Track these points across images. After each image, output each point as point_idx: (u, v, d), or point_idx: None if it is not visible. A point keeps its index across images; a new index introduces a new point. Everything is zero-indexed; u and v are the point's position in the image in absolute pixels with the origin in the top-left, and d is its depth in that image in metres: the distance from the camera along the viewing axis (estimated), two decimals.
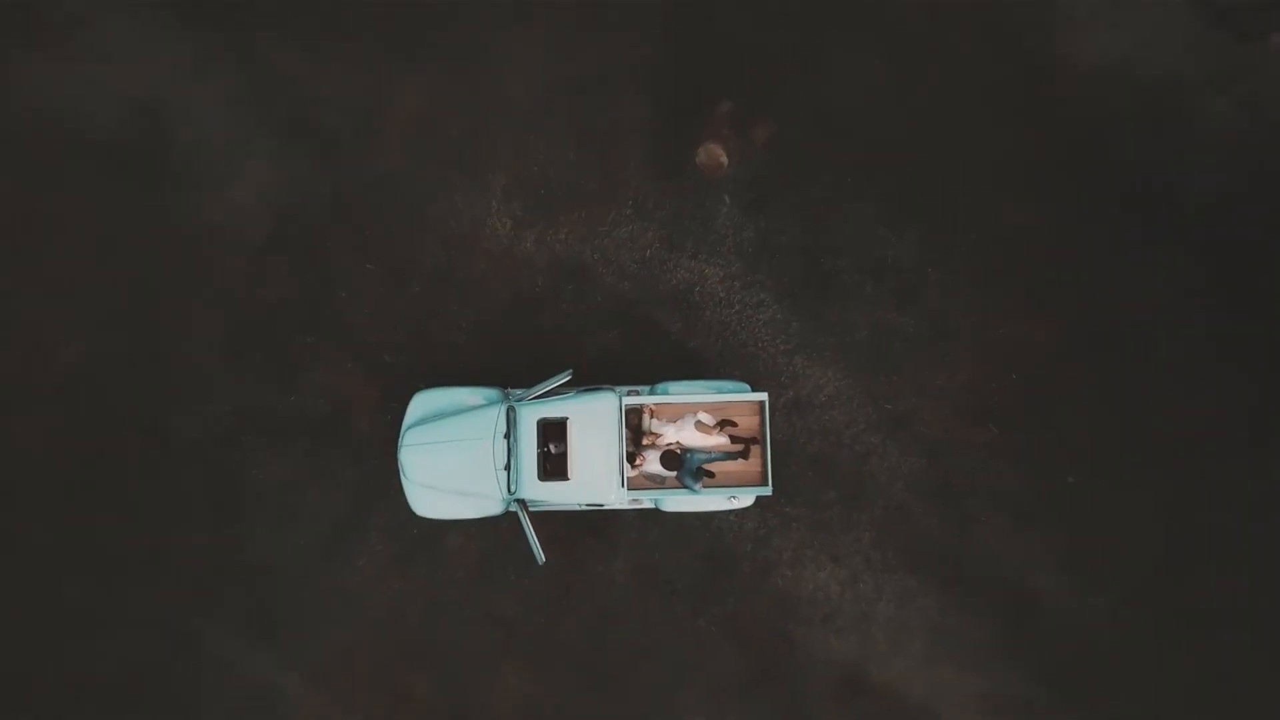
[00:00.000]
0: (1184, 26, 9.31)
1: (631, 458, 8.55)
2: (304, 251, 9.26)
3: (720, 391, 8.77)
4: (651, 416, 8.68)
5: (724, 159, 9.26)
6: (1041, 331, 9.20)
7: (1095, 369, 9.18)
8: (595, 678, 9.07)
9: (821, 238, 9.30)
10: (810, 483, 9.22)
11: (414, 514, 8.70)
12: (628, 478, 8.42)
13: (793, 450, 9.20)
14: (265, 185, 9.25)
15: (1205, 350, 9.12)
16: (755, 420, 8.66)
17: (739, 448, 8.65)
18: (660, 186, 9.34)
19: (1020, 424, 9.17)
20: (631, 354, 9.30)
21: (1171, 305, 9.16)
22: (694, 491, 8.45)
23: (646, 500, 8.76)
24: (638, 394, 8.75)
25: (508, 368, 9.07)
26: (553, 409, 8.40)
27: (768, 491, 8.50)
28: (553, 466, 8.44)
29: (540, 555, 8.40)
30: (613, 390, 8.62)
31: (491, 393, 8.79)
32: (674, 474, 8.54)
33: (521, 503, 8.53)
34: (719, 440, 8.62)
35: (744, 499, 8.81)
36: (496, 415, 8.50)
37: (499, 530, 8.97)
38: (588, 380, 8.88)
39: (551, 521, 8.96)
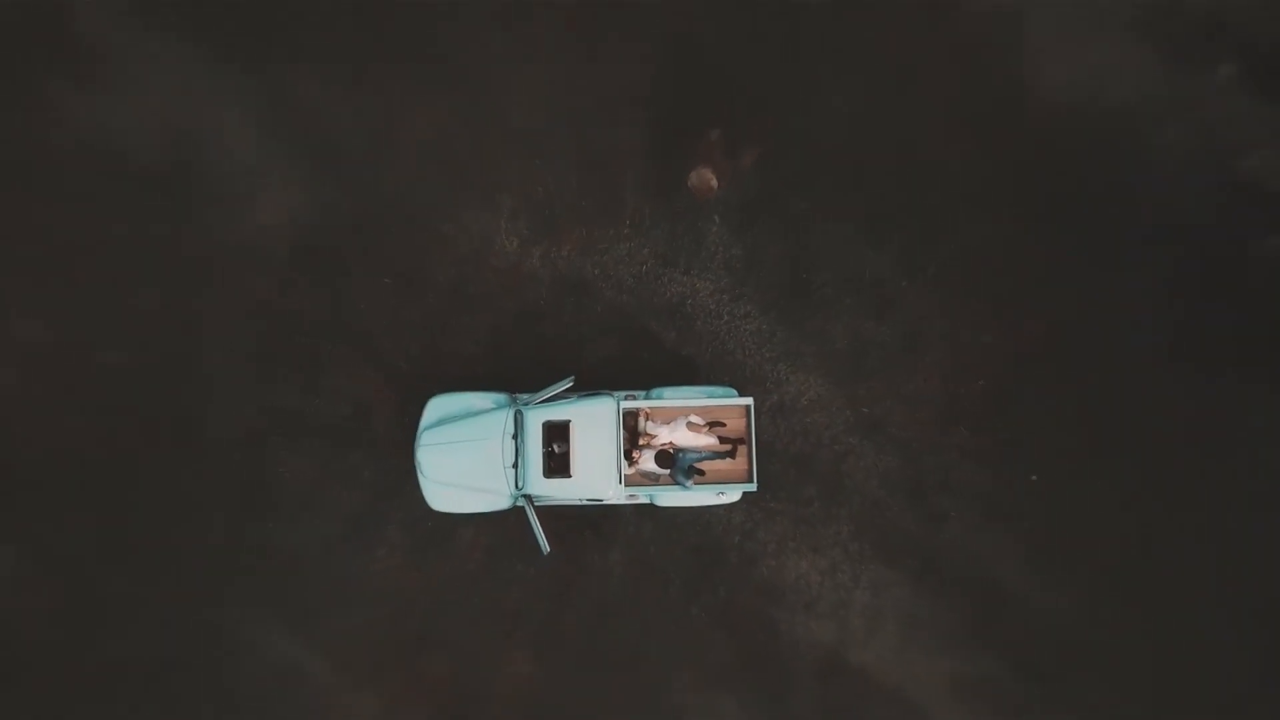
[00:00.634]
0: (1139, 57, 9.83)
1: (629, 457, 8.98)
2: (326, 267, 9.80)
3: (710, 396, 9.21)
4: (647, 419, 9.12)
5: (714, 182, 9.66)
6: (1007, 340, 9.73)
7: (1056, 375, 9.70)
8: (595, 660, 9.61)
9: (803, 254, 9.80)
10: (792, 480, 9.74)
11: (429, 508, 9.23)
12: (625, 475, 8.89)
13: (776, 450, 9.73)
14: (289, 206, 9.79)
15: (1158, 356, 9.65)
16: (742, 422, 9.08)
17: (727, 448, 9.09)
18: (655, 207, 9.83)
19: (987, 426, 9.69)
20: (629, 361, 9.76)
21: (1126, 316, 9.70)
22: (685, 488, 8.91)
23: (642, 496, 9.23)
24: (634, 398, 9.19)
25: (515, 374, 9.56)
26: (556, 412, 8.88)
27: (753, 488, 8.97)
28: (556, 465, 8.89)
29: (545, 546, 8.90)
30: (611, 395, 9.07)
31: (500, 397, 9.31)
32: (667, 472, 9.00)
33: (528, 498, 9.01)
34: (709, 441, 9.07)
35: (731, 495, 9.26)
36: (505, 418, 8.99)
37: (507, 524, 9.52)
38: (588, 386, 9.34)
39: (555, 516, 9.50)
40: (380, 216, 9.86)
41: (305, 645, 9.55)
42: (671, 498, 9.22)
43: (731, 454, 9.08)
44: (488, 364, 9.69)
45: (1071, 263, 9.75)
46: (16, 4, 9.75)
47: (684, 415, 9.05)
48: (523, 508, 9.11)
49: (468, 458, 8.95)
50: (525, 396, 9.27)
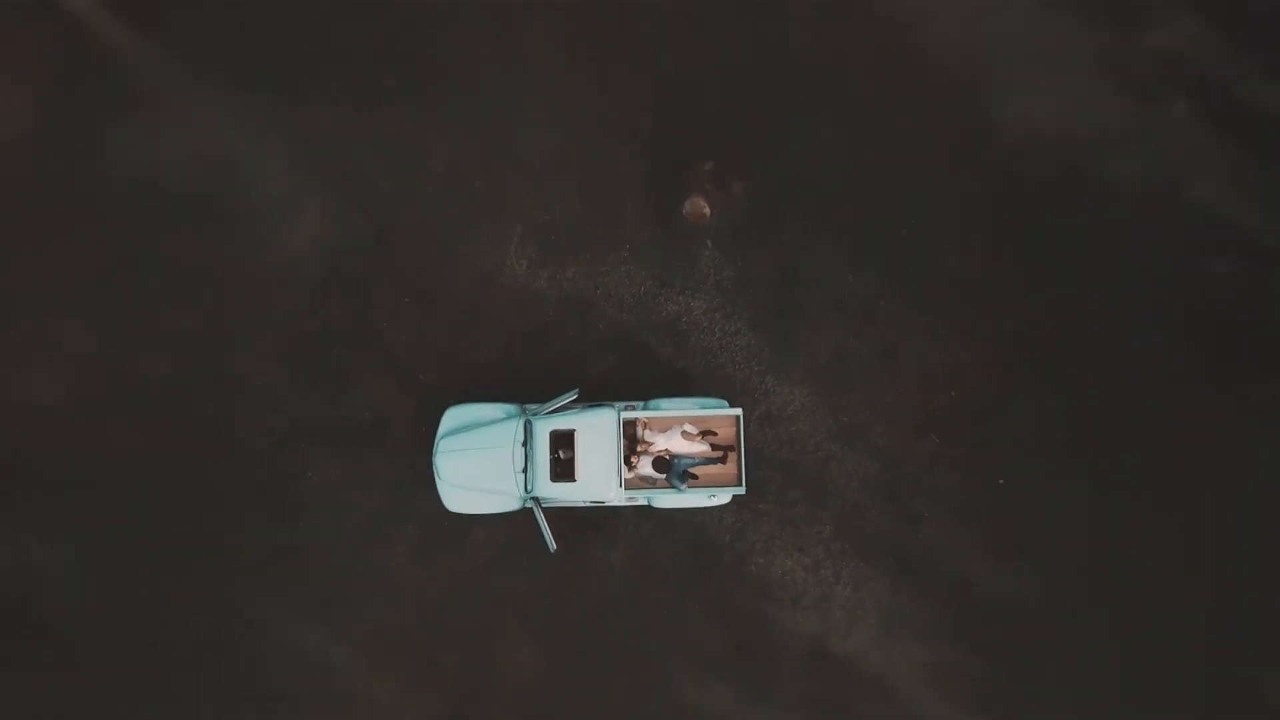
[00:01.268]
0: (1100, 92, 10.49)
1: (628, 462, 9.64)
2: (351, 287, 10.53)
3: (703, 407, 9.87)
4: (645, 428, 9.76)
5: (707, 210, 10.04)
6: (976, 355, 10.39)
7: (1022, 387, 10.37)
8: (598, 648, 10.33)
9: (789, 275, 10.49)
10: (779, 484, 10.42)
11: (445, 510, 9.93)
12: (625, 479, 9.53)
13: (764, 456, 10.40)
14: (318, 230, 10.55)
15: (1114, 367, 10.30)
16: (732, 431, 9.68)
17: (718, 454, 9.72)
18: (653, 233, 10.53)
19: (958, 434, 10.37)
20: (628, 374, 10.44)
21: (1087, 333, 10.36)
22: (680, 491, 9.59)
23: (641, 498, 9.89)
24: (633, 409, 9.83)
25: (524, 386, 10.25)
26: (562, 422, 9.56)
27: (742, 491, 9.62)
28: (562, 470, 9.54)
29: (552, 544, 9.61)
30: (612, 406, 9.74)
31: (511, 408, 9.97)
32: (664, 476, 9.63)
33: (536, 500, 9.68)
34: (701, 448, 9.72)
35: (722, 497, 9.89)
36: (515, 427, 9.66)
37: (516, 524, 10.20)
38: (592, 397, 10.03)
39: (561, 517, 10.14)
40: (401, 240, 10.59)
41: (329, 636, 10.29)
42: (668, 500, 9.88)
43: (723, 460, 9.72)
44: (499, 376, 10.38)
45: (1036, 284, 10.43)
46: (71, 44, 10.52)
47: (679, 424, 9.68)
48: (531, 509, 9.76)
49: (481, 463, 9.62)
50: (534, 407, 9.93)
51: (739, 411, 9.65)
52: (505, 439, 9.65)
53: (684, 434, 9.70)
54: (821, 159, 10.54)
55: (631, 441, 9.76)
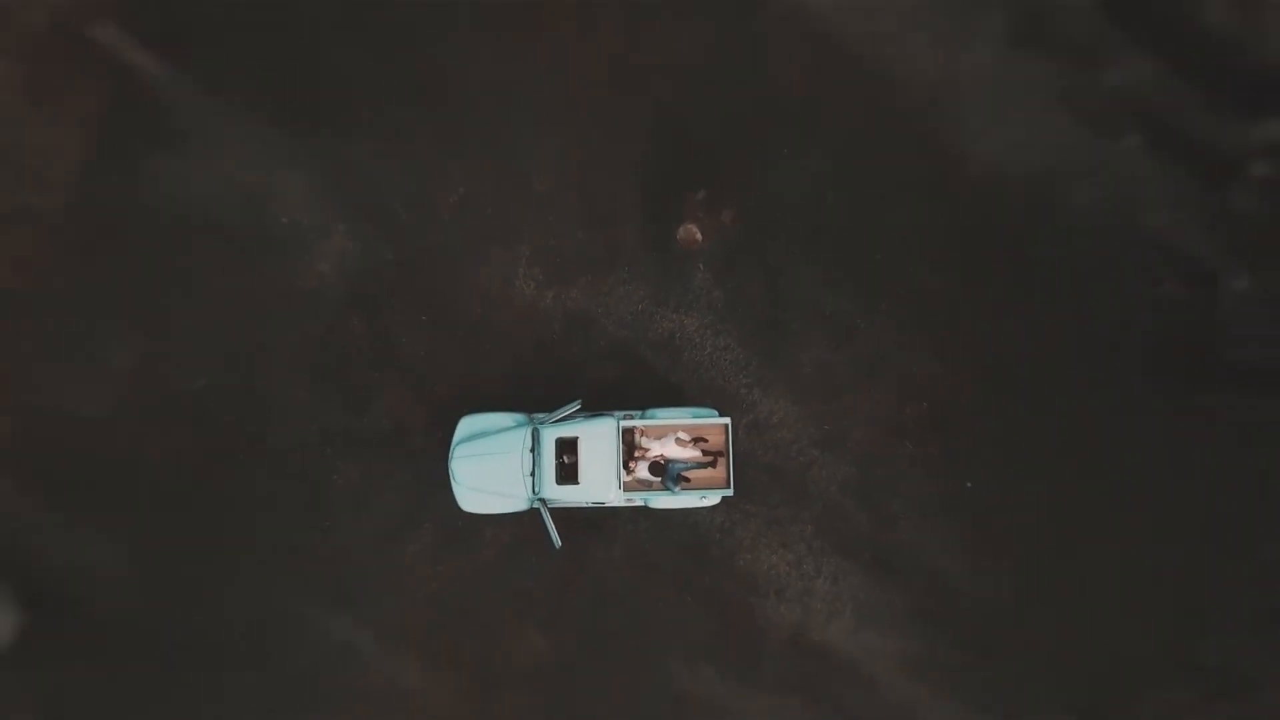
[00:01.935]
0: (1061, 127, 11.14)
1: (627, 467, 10.34)
2: (372, 306, 11.20)
3: (695, 416, 10.54)
4: (642, 435, 10.43)
5: (699, 236, 10.74)
6: (947, 368, 11.07)
7: (988, 398, 11.05)
8: (598, 637, 11.02)
9: (775, 296, 11.14)
10: (764, 486, 11.08)
11: (460, 510, 10.61)
12: (624, 482, 10.26)
13: (751, 461, 11.06)
14: (342, 254, 11.23)
15: (1073, 378, 11.00)
16: (722, 438, 10.39)
17: (709, 459, 10.43)
18: (650, 256, 11.18)
19: (930, 441, 11.05)
20: (627, 386, 11.08)
21: (1048, 347, 11.05)
22: (674, 493, 10.30)
23: (638, 500, 10.56)
24: (632, 418, 10.52)
25: (531, 397, 10.91)
26: (567, 430, 10.29)
27: (731, 493, 10.35)
28: (567, 473, 10.25)
29: (557, 541, 10.31)
30: (612, 415, 10.42)
31: (520, 417, 10.64)
32: (659, 479, 10.37)
33: (543, 501, 10.38)
34: (694, 453, 10.44)
35: (713, 498, 10.57)
36: (524, 434, 10.37)
37: (524, 523, 10.86)
38: (593, 407, 10.67)
39: (565, 516, 10.78)
40: (418, 263, 11.26)
41: (354, 624, 11.01)
42: (663, 501, 10.53)
43: (713, 464, 10.43)
44: (509, 388, 11.04)
45: (1002, 303, 11.11)
46: (116, 85, 11.20)
47: (673, 432, 10.40)
48: (538, 509, 10.46)
49: (493, 467, 10.31)
50: (541, 416, 10.61)
51: (728, 420, 10.40)
52: (515, 445, 10.35)
53: (678, 441, 10.41)
54: (804, 189, 11.19)
55: (630, 448, 10.45)
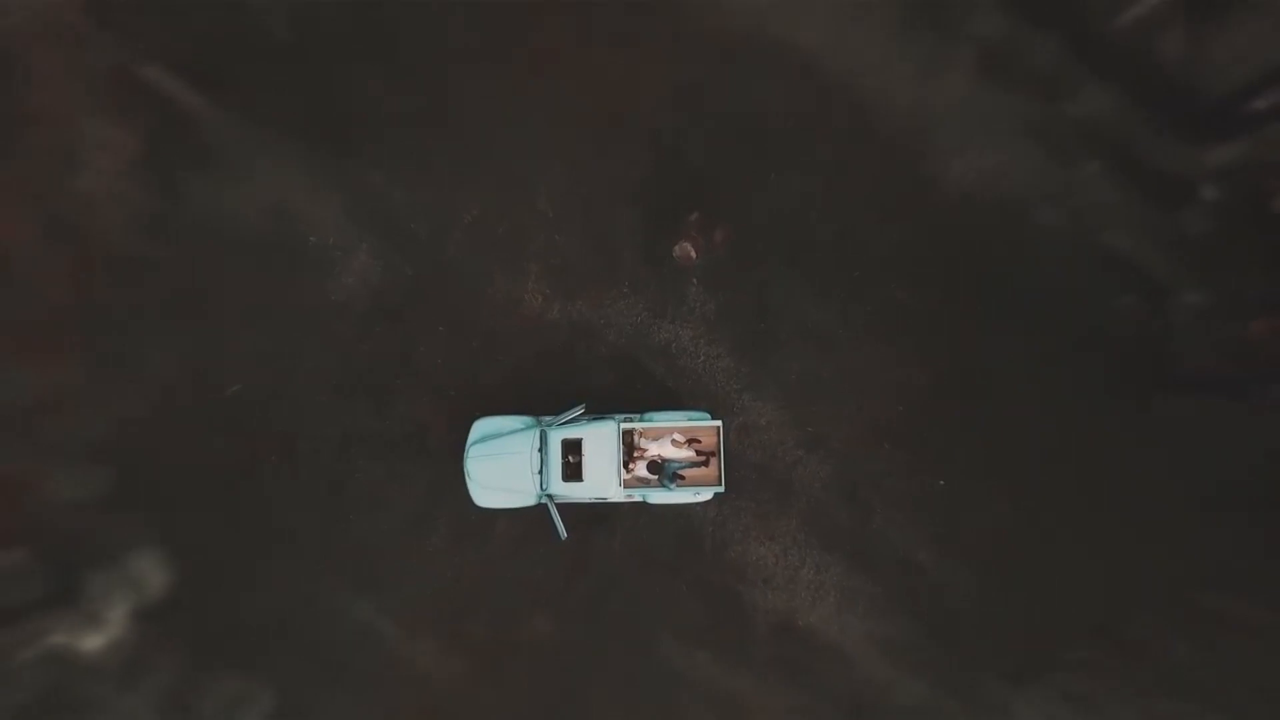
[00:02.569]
0: (1027, 155, 11.71)
1: (626, 466, 10.92)
2: (394, 318, 11.81)
3: (689, 418, 11.14)
4: (640, 436, 11.00)
5: (693, 253, 11.37)
6: (922, 375, 11.67)
7: (959, 403, 11.65)
8: (601, 621, 11.62)
9: (763, 308, 11.72)
10: (753, 484, 11.67)
11: (474, 505, 11.24)
12: (624, 480, 10.85)
13: (741, 460, 11.63)
14: (366, 270, 11.86)
15: (1038, 385, 11.60)
16: (714, 439, 10.98)
17: (702, 459, 11.03)
18: (647, 272, 11.74)
19: (906, 443, 11.65)
20: (627, 391, 11.65)
21: (1014, 356, 11.66)
22: (670, 489, 10.89)
23: (637, 496, 11.09)
24: (631, 420, 11.07)
25: (539, 401, 11.49)
26: (571, 432, 10.89)
27: (722, 490, 10.94)
28: (572, 471, 10.85)
29: (563, 533, 10.93)
30: (613, 418, 11.00)
31: (529, 419, 11.22)
32: (656, 477, 10.95)
33: (550, 497, 10.99)
34: (688, 453, 11.03)
35: (706, 495, 11.12)
36: (533, 436, 10.95)
37: (532, 517, 11.44)
38: (596, 410, 11.23)
39: (570, 511, 11.40)
40: (435, 278, 11.86)
41: (376, 609, 11.70)
42: (660, 497, 11.11)
43: (706, 463, 11.04)
44: (518, 393, 11.65)
45: (973, 316, 11.73)
46: (158, 114, 11.90)
47: (669, 433, 11.00)
48: (545, 504, 11.08)
49: (504, 466, 10.95)
50: (548, 419, 11.19)
51: (720, 423, 11.04)
52: (524, 446, 10.99)
53: (673, 442, 11.03)
54: (791, 210, 11.82)
55: (629, 448, 11.06)
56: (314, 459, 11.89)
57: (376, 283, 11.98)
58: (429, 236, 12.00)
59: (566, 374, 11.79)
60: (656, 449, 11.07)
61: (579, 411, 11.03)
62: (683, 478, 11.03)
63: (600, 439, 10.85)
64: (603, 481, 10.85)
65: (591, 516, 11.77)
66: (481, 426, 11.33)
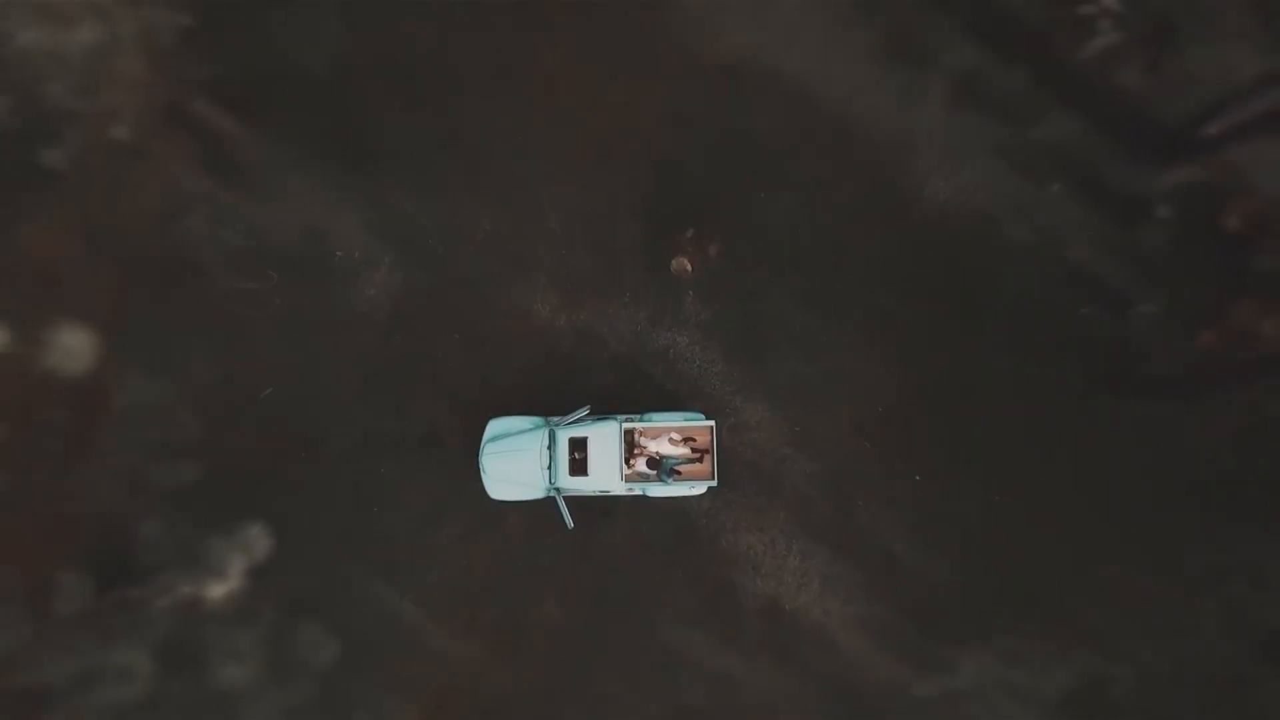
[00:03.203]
0: (998, 174, 12.57)
1: (628, 462, 11.64)
2: (413, 326, 12.59)
3: (686, 419, 11.88)
4: (640, 435, 11.72)
5: (689, 266, 12.19)
6: (900, 378, 12.47)
7: (935, 404, 12.45)
8: (604, 604, 12.40)
9: (753, 317, 12.51)
10: (744, 479, 12.44)
11: (488, 497, 12.02)
12: (625, 474, 11.57)
13: (733, 457, 12.37)
14: (388, 282, 12.67)
15: (1008, 388, 12.43)
16: (708, 437, 11.69)
17: (697, 455, 11.75)
18: (647, 284, 12.51)
19: (885, 440, 12.45)
20: (627, 393, 12.38)
21: (985, 360, 12.50)
22: (667, 483, 11.63)
23: (637, 489, 11.78)
24: (632, 420, 11.78)
25: (547, 402, 12.26)
26: (577, 431, 11.67)
27: (715, 484, 11.68)
28: (577, 467, 11.60)
29: (570, 523, 11.71)
30: (615, 418, 11.74)
31: (538, 419, 11.99)
32: (655, 472, 11.69)
33: (558, 490, 11.74)
34: (684, 450, 11.78)
35: (700, 489, 11.85)
36: (542, 434, 11.71)
37: (541, 508, 12.20)
38: (599, 411, 11.94)
39: (576, 503, 12.09)
40: (451, 289, 12.66)
41: (398, 593, 12.49)
42: (658, 490, 11.84)
43: (700, 460, 11.78)
44: (528, 395, 12.43)
45: (948, 324, 12.55)
46: (196, 140, 12.77)
47: (667, 432, 11.74)
48: (554, 497, 11.85)
49: (516, 462, 11.74)
50: (555, 419, 11.94)
51: (713, 422, 11.81)
52: (534, 443, 11.78)
53: (670, 440, 11.79)
54: (779, 227, 12.64)
55: (630, 446, 11.81)
56: (339, 455, 12.68)
57: (397, 294, 12.79)
58: (445, 251, 12.82)
59: (572, 377, 12.58)
60: (655, 446, 11.82)
61: (584, 412, 11.80)
62: (679, 473, 11.78)
63: (604, 437, 11.65)
64: (606, 476, 11.63)
65: (596, 508, 12.55)
66: (495, 426, 12.13)
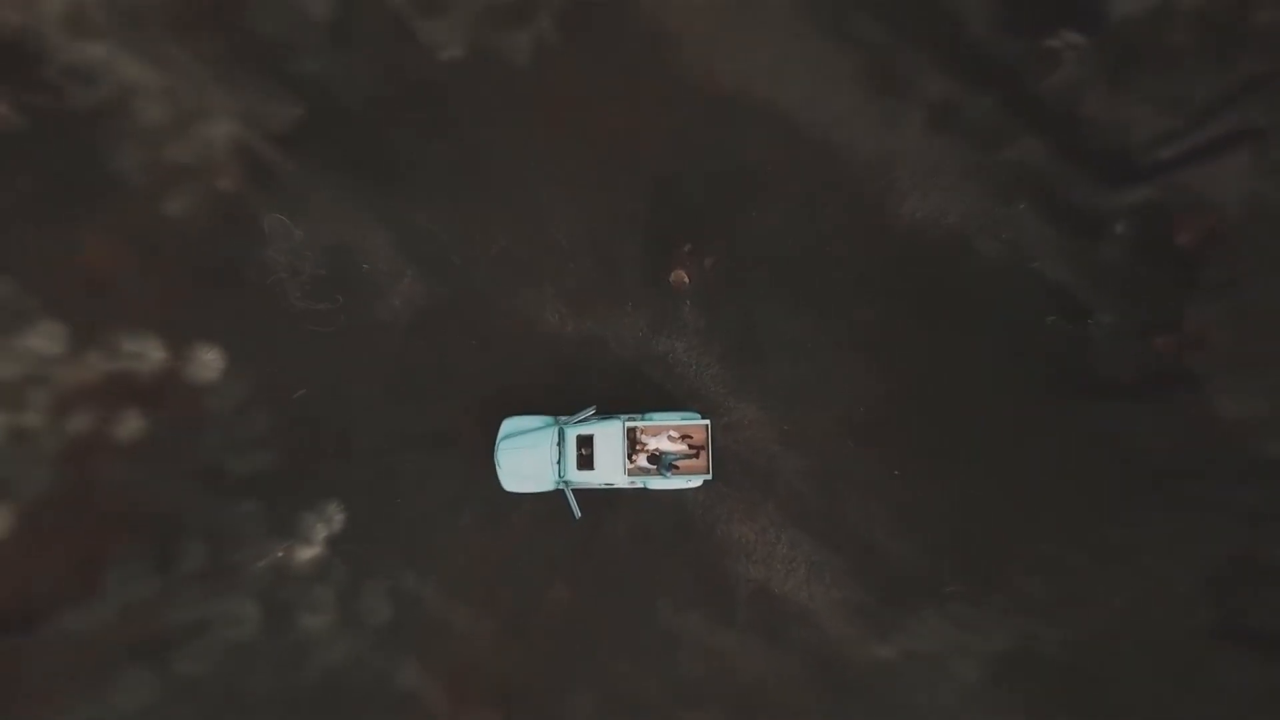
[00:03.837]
0: (969, 192, 13.47)
1: (630, 457, 12.55)
2: (431, 334, 13.50)
3: (683, 418, 12.78)
4: (642, 433, 12.61)
5: (686, 279, 13.09)
6: (882, 382, 13.39)
7: (913, 406, 13.38)
8: (609, 588, 13.32)
9: (746, 325, 13.42)
10: (737, 474, 13.36)
11: (503, 490, 12.93)
12: (628, 469, 12.48)
13: (727, 454, 13.29)
14: (410, 293, 13.59)
15: (979, 392, 13.36)
16: (704, 435, 12.59)
17: (694, 452, 12.68)
18: (647, 293, 13.41)
19: (867, 439, 13.36)
20: (630, 394, 13.30)
21: (960, 364, 13.40)
22: (667, 477, 12.56)
23: (639, 482, 12.74)
24: (634, 419, 12.66)
25: (556, 403, 13.17)
26: (584, 429, 12.58)
27: (711, 478, 12.59)
28: (584, 462, 12.50)
29: (577, 513, 12.64)
30: (619, 418, 12.63)
31: (548, 419, 12.90)
32: (655, 467, 12.61)
33: (566, 483, 12.65)
34: (682, 447, 12.69)
35: (697, 482, 12.76)
36: (552, 432, 12.63)
37: (551, 500, 13.09)
38: (604, 411, 12.86)
39: (583, 495, 13.00)
40: (469, 300, 13.54)
41: (419, 577, 13.44)
42: (658, 484, 12.77)
43: (697, 456, 12.70)
44: (539, 396, 13.34)
45: (924, 331, 13.45)
46: (235, 164, 13.67)
47: (666, 430, 12.68)
48: (563, 490, 12.75)
49: (528, 457, 12.66)
50: (564, 418, 12.85)
51: (709, 421, 12.72)
52: (545, 441, 12.70)
53: (670, 437, 12.72)
54: (770, 242, 13.55)
55: (633, 443, 12.72)
56: (365, 451, 13.60)
57: (419, 303, 13.71)
58: (463, 264, 13.75)
59: (579, 380, 13.50)
60: (655, 443, 12.73)
61: (591, 412, 12.71)
62: (677, 468, 12.70)
63: (608, 435, 12.59)
64: (611, 470, 12.58)
65: (601, 500, 13.44)
66: (509, 424, 13.07)
